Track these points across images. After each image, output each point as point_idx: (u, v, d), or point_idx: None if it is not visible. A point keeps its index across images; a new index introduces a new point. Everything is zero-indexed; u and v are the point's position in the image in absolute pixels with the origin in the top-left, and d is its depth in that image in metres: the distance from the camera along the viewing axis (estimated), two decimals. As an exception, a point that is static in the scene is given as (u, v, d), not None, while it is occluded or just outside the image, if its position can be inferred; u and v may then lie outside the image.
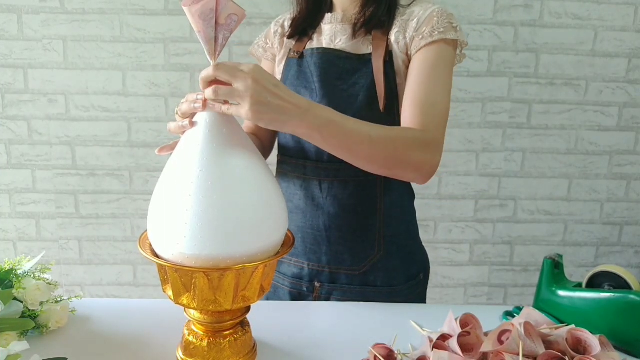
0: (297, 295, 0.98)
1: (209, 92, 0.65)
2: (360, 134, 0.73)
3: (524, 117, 1.77)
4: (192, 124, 0.67)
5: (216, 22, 0.64)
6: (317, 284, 0.96)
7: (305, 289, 0.97)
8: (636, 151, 1.82)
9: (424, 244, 1.04)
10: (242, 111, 0.64)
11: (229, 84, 0.64)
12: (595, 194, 1.85)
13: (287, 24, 1.00)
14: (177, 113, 0.70)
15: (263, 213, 0.65)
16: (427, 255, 1.05)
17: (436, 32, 0.84)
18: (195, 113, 0.67)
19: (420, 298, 1.02)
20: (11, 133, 1.70)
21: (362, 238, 0.93)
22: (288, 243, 0.72)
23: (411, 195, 1.00)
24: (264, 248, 0.65)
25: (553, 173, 1.82)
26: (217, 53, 0.66)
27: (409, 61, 0.88)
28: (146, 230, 0.69)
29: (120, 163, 1.74)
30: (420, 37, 0.85)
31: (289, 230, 0.74)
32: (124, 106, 1.69)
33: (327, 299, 0.95)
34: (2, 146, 1.71)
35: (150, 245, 0.68)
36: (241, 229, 0.63)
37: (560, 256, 0.84)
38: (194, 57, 1.67)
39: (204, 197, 0.62)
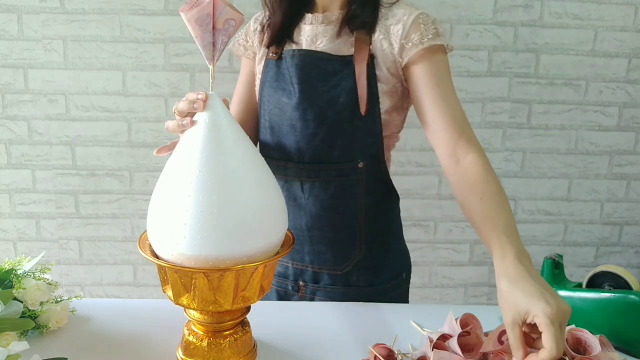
0: (283, 294, 1.00)
1: None
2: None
3: (524, 117, 1.76)
4: (192, 123, 0.66)
5: (214, 27, 0.64)
6: (301, 283, 0.97)
7: (290, 287, 0.99)
8: (636, 151, 1.82)
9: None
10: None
11: None
12: (595, 194, 1.85)
13: (266, 22, 0.96)
14: (174, 111, 0.70)
15: (263, 213, 0.65)
16: (409, 254, 1.06)
17: (425, 39, 0.85)
18: (195, 113, 0.67)
19: (403, 297, 1.03)
20: (11, 133, 1.69)
21: (343, 237, 0.94)
22: (288, 243, 0.72)
23: (394, 195, 0.99)
24: (263, 248, 0.65)
25: (553, 173, 1.82)
26: (216, 58, 0.66)
27: (396, 69, 0.88)
28: (146, 231, 0.69)
29: (120, 163, 1.74)
30: (410, 44, 0.85)
31: (288, 230, 0.74)
32: (124, 106, 1.69)
33: (312, 299, 0.97)
34: (2, 146, 1.70)
35: (150, 245, 0.68)
36: (241, 229, 0.63)
37: (560, 256, 0.84)
38: (194, 57, 1.67)
39: (204, 198, 0.62)
